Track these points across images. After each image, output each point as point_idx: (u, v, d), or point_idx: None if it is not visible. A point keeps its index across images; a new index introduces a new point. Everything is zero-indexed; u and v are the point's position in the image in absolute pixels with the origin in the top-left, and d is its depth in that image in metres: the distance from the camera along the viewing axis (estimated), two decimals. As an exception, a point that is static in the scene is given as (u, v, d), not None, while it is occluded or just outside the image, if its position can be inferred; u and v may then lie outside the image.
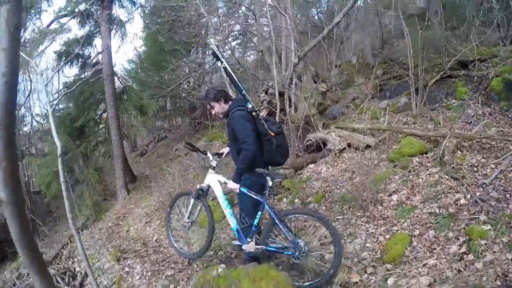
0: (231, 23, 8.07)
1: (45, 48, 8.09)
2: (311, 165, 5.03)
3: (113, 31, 8.69)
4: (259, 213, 2.60)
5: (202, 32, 9.03)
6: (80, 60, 8.72)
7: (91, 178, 7.95)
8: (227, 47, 8.58)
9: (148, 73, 9.27)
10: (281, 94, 5.82)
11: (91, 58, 8.78)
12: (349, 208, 3.69)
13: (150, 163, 11.33)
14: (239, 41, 13.35)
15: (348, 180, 4.23)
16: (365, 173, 3.95)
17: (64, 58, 8.49)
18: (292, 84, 6.30)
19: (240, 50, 13.84)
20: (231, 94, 3.19)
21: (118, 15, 9.26)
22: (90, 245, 5.37)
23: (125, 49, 31.54)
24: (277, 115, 5.34)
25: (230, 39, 9.63)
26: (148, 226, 5.36)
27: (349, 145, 5.04)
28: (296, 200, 4.30)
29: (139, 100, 8.31)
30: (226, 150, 3.11)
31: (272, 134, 2.61)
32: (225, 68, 2.80)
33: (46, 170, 8.17)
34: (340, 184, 4.23)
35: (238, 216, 2.91)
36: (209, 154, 3.04)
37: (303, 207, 4.01)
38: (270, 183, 2.52)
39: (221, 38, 6.72)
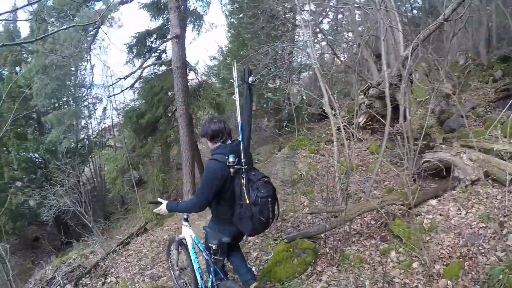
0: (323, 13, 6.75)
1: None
2: (433, 201, 3.62)
3: (188, 21, 8.09)
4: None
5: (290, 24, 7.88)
6: (152, 53, 8.38)
7: (155, 179, 7.42)
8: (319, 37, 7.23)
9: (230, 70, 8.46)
10: (383, 96, 4.74)
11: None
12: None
13: None
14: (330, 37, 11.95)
15: (494, 237, 2.73)
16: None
17: (135, 51, 8.24)
18: (402, 83, 4.70)
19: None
20: (222, 134, 2.29)
21: (195, 7, 8.69)
22: (129, 265, 4.55)
23: (208, 45, 31.96)
24: (386, 124, 3.94)
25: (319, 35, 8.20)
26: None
27: (485, 175, 3.66)
28: (415, 265, 2.76)
29: (216, 97, 7.45)
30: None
31: (247, 202, 2.11)
32: (249, 88, 2.22)
33: (112, 166, 7.93)
34: (483, 245, 2.71)
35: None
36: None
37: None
38: (214, 246, 2.20)
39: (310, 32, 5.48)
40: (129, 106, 7.85)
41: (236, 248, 2.67)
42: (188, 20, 8.18)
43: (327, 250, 3.24)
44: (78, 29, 6.12)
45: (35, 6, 6.50)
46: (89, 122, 13.35)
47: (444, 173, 3.81)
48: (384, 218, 3.43)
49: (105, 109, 13.15)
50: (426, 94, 4.83)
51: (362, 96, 5.89)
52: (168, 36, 7.51)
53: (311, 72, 9.61)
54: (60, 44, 6.47)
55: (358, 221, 3.74)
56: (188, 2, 8.15)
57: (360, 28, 8.30)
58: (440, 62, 6.70)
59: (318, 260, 3.19)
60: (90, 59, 8.08)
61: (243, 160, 2.10)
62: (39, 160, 10.34)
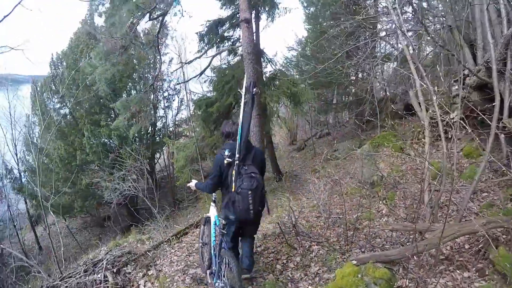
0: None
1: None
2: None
3: (260, 6, 7.66)
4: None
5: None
6: (225, 42, 8.14)
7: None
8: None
9: (308, 61, 8.34)
10: (482, 87, 4.33)
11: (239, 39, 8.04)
12: None
13: (305, 160, 10.20)
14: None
15: None
16: None
17: (206, 40, 8.06)
18: (508, 69, 3.82)
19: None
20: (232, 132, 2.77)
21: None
22: (178, 259, 4.17)
23: (285, 35, 31.23)
24: (493, 119, 3.14)
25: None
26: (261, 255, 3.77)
27: None
28: None
29: (291, 87, 6.94)
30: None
31: (233, 190, 2.52)
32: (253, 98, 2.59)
33: (182, 154, 7.90)
34: None
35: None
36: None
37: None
38: (222, 221, 2.69)
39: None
40: (200, 95, 7.69)
41: (247, 235, 3.01)
42: (260, 4, 7.74)
43: (407, 283, 2.50)
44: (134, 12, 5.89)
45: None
46: (167, 112, 13.93)
47: None
48: (484, 243, 2.59)
49: (181, 100, 13.62)
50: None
51: (457, 87, 5.16)
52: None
53: (394, 64, 8.55)
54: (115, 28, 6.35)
55: (448, 242, 2.85)
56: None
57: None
58: None
59: (393, 296, 2.43)
60: (158, 47, 7.94)
61: (236, 156, 2.48)
62: (112, 144, 10.91)
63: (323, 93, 11.31)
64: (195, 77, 7.07)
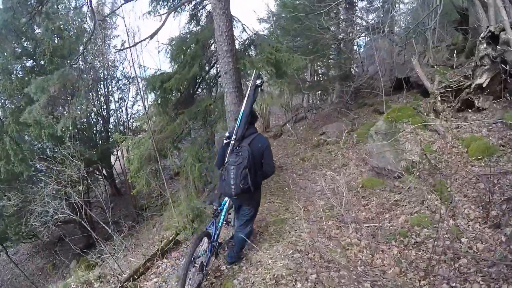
0: None
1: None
2: None
3: None
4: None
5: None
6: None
7: (189, 170, 5.23)
8: None
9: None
10: None
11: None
12: None
13: (285, 148, 8.81)
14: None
15: None
16: None
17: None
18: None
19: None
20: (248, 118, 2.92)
21: None
22: None
23: (255, 7, 28.63)
24: None
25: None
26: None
27: None
28: None
29: (275, 53, 5.03)
30: None
31: (224, 166, 2.83)
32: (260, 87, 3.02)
33: (135, 153, 5.79)
34: None
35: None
36: None
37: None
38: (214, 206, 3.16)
39: None
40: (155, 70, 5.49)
41: (238, 218, 3.22)
42: None
43: None
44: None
45: None
46: (121, 104, 11.54)
47: None
48: None
49: (137, 90, 11.27)
50: None
51: (485, 45, 4.72)
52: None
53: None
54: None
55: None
56: None
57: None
58: None
59: None
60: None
61: (233, 136, 2.79)
62: (47, 148, 8.45)
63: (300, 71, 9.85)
64: (144, 39, 4.96)
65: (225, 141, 2.86)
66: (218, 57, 4.34)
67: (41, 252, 11.99)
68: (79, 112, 6.44)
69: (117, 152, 10.71)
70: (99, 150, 9.25)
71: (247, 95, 2.89)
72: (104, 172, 11.28)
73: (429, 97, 6.44)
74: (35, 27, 8.47)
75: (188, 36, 5.70)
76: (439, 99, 6.33)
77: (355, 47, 11.20)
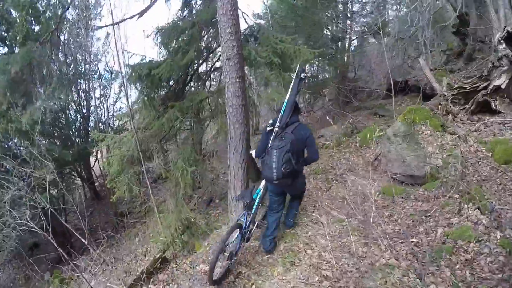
0: None
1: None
2: None
3: None
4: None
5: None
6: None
7: (179, 176, 4.45)
8: None
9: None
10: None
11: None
12: None
13: None
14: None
15: None
16: None
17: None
18: None
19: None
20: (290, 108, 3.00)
21: None
22: None
23: (250, 2, 27.80)
24: None
25: None
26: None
27: None
28: None
29: (280, 44, 4.36)
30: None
31: (267, 150, 2.87)
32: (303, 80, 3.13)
33: (115, 154, 4.97)
34: None
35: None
36: None
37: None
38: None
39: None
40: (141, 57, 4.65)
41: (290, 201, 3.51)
42: None
43: None
44: None
45: None
46: (103, 101, 10.51)
47: None
48: None
49: (120, 86, 10.29)
50: None
51: (503, 46, 4.61)
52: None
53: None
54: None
55: None
56: None
57: None
58: None
59: None
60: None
61: (277, 124, 2.86)
62: (14, 146, 7.42)
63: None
64: (132, 17, 4.18)
65: (268, 128, 2.93)
66: (220, 41, 3.63)
67: (12, 261, 10.81)
68: (51, 104, 5.53)
69: (96, 152, 9.69)
70: (76, 150, 8.26)
71: (291, 86, 3.01)
72: (82, 174, 10.24)
73: (431, 100, 6.27)
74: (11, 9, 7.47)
75: (182, 21, 4.97)
76: (450, 101, 6.04)
77: (352, 48, 10.91)
